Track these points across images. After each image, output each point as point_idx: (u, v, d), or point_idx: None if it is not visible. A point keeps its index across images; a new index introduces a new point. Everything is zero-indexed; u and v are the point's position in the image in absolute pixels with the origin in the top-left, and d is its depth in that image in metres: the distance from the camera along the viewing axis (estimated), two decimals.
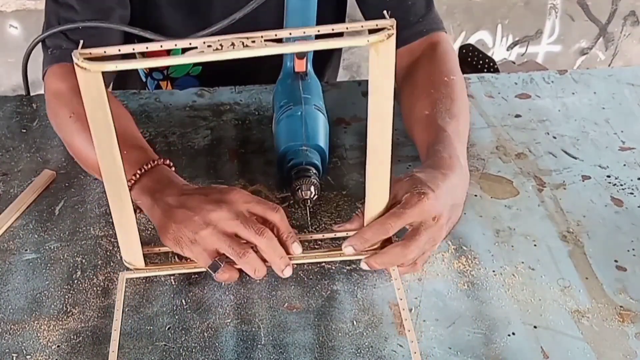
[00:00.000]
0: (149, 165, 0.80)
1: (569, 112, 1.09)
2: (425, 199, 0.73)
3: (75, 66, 0.61)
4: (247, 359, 0.70)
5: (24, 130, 0.98)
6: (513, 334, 0.73)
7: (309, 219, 0.84)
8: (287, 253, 0.74)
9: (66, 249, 0.81)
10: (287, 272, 0.74)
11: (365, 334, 0.73)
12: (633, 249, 0.84)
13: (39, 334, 0.71)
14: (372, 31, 0.64)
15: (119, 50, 0.61)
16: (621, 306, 0.77)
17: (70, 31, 0.92)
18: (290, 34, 0.64)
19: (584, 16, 2.59)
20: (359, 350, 0.71)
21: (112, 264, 0.79)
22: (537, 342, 0.73)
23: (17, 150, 0.95)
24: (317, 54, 0.96)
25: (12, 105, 1.03)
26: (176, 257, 0.79)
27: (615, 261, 0.83)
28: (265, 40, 0.62)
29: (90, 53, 0.61)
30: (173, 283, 0.77)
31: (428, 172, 0.78)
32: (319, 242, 0.82)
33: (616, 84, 1.16)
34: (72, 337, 0.71)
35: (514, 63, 2.28)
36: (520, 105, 1.10)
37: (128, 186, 0.75)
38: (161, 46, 0.62)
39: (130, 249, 0.76)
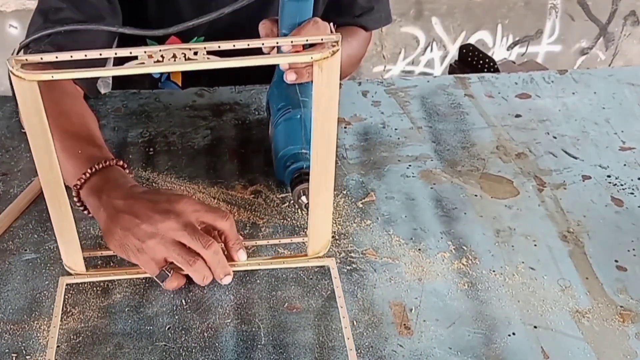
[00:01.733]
0: (100, 165, 0.77)
1: (569, 112, 1.09)
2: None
3: (11, 73, 0.60)
4: (247, 359, 0.69)
5: (24, 130, 0.98)
6: (513, 334, 0.73)
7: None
8: (233, 260, 0.76)
9: None
10: (226, 281, 0.75)
11: (365, 334, 0.73)
12: (633, 249, 0.84)
13: (38, 334, 0.71)
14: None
15: (56, 57, 0.60)
16: (621, 306, 0.77)
17: (55, 36, 0.90)
18: (234, 45, 0.63)
19: (584, 16, 2.59)
20: (359, 350, 0.71)
21: (111, 264, 0.79)
22: (537, 342, 0.72)
23: (16, 151, 0.95)
24: None
25: (12, 105, 1.03)
26: (118, 261, 0.79)
27: (616, 261, 0.83)
28: (207, 53, 0.61)
29: (26, 60, 0.60)
30: None
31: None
32: (264, 247, 0.82)
33: (616, 83, 1.16)
34: (71, 337, 0.71)
35: (514, 63, 2.28)
36: (520, 105, 1.10)
37: (78, 185, 0.76)
38: (100, 54, 0.61)
39: (71, 254, 0.75)
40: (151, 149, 0.96)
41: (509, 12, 2.50)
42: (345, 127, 1.03)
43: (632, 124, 1.07)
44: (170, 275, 0.73)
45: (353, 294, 0.77)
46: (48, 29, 0.86)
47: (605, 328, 0.74)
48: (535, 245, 0.84)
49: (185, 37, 1.10)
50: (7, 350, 0.69)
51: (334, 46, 0.63)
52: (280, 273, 0.79)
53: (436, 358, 0.70)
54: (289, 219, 0.86)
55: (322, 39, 0.64)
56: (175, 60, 0.61)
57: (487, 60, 1.92)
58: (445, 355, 0.71)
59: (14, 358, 0.69)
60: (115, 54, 0.62)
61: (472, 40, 2.50)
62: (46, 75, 0.60)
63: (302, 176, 0.82)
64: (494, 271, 0.80)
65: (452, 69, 1.98)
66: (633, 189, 0.93)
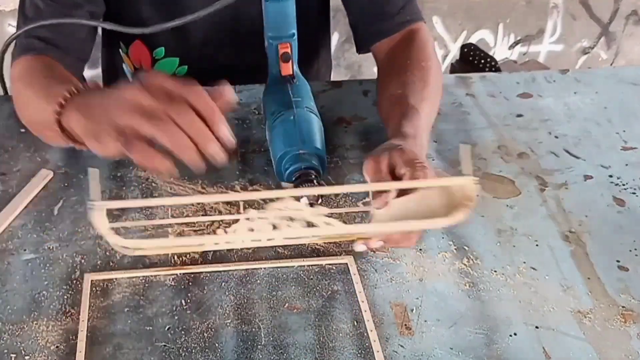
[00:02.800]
0: (77, 89, 0.75)
1: (571, 111, 1.08)
2: (427, 172, 0.74)
3: (114, 246, 0.64)
4: (247, 359, 0.69)
5: (23, 130, 0.98)
6: (515, 334, 0.73)
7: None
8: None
9: (65, 249, 0.80)
10: (212, 149, 0.64)
11: (366, 334, 0.72)
12: (635, 249, 0.84)
13: (37, 335, 0.71)
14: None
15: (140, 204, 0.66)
16: (623, 306, 0.77)
17: (37, 30, 0.93)
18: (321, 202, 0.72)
19: (586, 15, 2.59)
20: (359, 351, 0.70)
21: (111, 264, 0.79)
22: (539, 342, 0.72)
23: (15, 150, 0.95)
24: (305, 49, 0.96)
25: (11, 105, 1.03)
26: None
27: (618, 261, 0.82)
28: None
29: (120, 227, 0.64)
30: (173, 283, 0.77)
31: (410, 144, 0.80)
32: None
33: (618, 83, 1.15)
34: (71, 337, 0.71)
35: (515, 62, 2.28)
36: (522, 105, 1.09)
37: (57, 112, 0.74)
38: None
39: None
40: None
41: (510, 12, 2.50)
42: (345, 127, 1.02)
43: (634, 123, 1.06)
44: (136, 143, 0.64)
45: (354, 294, 0.76)
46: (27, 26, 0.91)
47: (607, 328, 0.74)
48: (536, 245, 0.84)
49: (150, 42, 1.12)
50: (6, 351, 0.69)
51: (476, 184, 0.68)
52: (281, 273, 0.78)
53: (437, 358, 0.70)
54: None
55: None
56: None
57: (488, 59, 1.92)
58: (446, 355, 0.70)
59: (13, 358, 0.68)
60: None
61: (473, 40, 2.50)
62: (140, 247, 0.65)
63: (303, 177, 0.82)
64: (495, 271, 0.80)
65: (454, 69, 1.98)
66: (635, 189, 0.93)
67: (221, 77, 1.12)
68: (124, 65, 1.20)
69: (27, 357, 0.68)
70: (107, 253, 0.80)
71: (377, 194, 0.73)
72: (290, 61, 0.91)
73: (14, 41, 0.96)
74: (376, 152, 0.79)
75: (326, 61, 1.33)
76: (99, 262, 0.79)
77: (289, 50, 0.90)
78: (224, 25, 1.10)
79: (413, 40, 1.02)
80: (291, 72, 0.92)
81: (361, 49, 1.08)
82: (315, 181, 0.82)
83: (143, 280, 0.77)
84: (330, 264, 0.80)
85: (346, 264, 0.80)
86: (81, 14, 0.96)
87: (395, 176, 0.76)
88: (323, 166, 0.86)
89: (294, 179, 0.83)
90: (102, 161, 0.93)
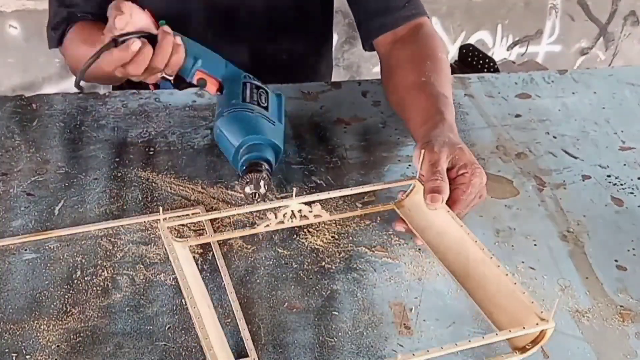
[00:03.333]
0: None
1: (569, 111, 1.09)
2: (484, 179, 0.82)
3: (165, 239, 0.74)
4: (247, 358, 0.69)
5: (24, 130, 0.98)
6: None
7: None
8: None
9: (66, 249, 0.80)
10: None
11: (365, 333, 0.73)
12: (633, 249, 0.84)
13: (38, 334, 0.71)
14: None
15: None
16: (621, 306, 0.77)
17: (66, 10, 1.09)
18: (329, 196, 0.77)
19: (584, 16, 2.59)
20: (359, 350, 0.71)
21: (112, 264, 0.79)
22: None
23: (16, 150, 0.95)
24: (306, 48, 0.97)
25: (12, 105, 1.03)
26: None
27: (616, 261, 0.83)
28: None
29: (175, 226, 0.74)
30: (173, 282, 0.77)
31: (457, 141, 0.84)
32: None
33: (616, 83, 1.16)
34: (71, 337, 0.71)
35: (514, 63, 2.29)
36: (520, 105, 1.10)
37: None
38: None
39: None
40: (151, 149, 0.96)
41: (508, 12, 2.50)
42: (345, 127, 1.03)
43: (632, 123, 1.07)
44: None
45: (353, 293, 0.77)
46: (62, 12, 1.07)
47: (605, 327, 0.74)
48: (535, 245, 0.84)
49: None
50: (6, 350, 0.69)
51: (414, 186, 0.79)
52: (280, 273, 0.79)
53: (436, 358, 0.70)
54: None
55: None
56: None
57: (487, 60, 1.92)
58: (445, 355, 0.71)
59: (14, 358, 0.68)
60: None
61: (472, 41, 2.50)
62: (193, 241, 0.79)
63: (253, 166, 0.85)
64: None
65: (452, 69, 1.98)
66: (633, 189, 0.93)
67: (240, 62, 1.11)
68: None
69: (28, 357, 0.69)
70: (108, 253, 0.80)
71: (433, 190, 0.78)
72: (207, 84, 0.94)
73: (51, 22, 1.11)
74: (431, 143, 0.82)
75: (327, 60, 1.33)
76: (99, 262, 0.79)
77: (203, 76, 0.94)
78: (222, 14, 1.10)
79: (421, 33, 1.03)
80: (215, 92, 0.95)
81: (366, 43, 1.08)
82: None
83: (144, 280, 0.77)
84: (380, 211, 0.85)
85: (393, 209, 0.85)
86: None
87: (450, 173, 0.80)
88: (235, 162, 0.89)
89: (244, 167, 0.87)
90: (102, 161, 0.93)
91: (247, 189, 0.85)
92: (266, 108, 0.92)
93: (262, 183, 0.84)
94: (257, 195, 0.85)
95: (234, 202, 0.88)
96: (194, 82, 0.94)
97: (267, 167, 0.86)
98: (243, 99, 0.92)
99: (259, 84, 0.96)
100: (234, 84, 0.94)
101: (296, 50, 1.20)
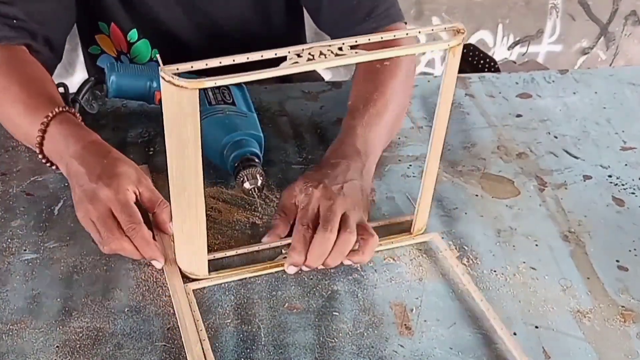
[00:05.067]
0: (53, 113, 0.84)
1: (570, 111, 1.09)
2: (313, 189, 0.79)
3: (167, 84, 0.60)
4: (247, 359, 0.69)
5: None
6: (514, 334, 0.73)
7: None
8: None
9: (66, 249, 0.80)
10: (155, 265, 0.77)
11: (366, 334, 0.72)
12: (635, 249, 0.84)
13: (38, 334, 0.71)
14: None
15: (206, 64, 0.61)
16: (623, 306, 0.77)
17: (6, 11, 0.93)
18: (369, 40, 0.68)
19: (585, 16, 2.59)
20: (359, 351, 0.71)
21: (111, 264, 0.79)
22: (538, 342, 0.72)
23: (16, 150, 0.95)
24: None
25: None
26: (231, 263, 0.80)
27: (617, 261, 0.82)
28: (351, 48, 0.65)
29: (177, 69, 0.61)
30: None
31: (317, 169, 0.84)
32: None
33: (617, 83, 1.16)
34: (71, 337, 0.71)
35: (514, 63, 2.28)
36: (521, 105, 1.10)
37: (38, 140, 0.84)
38: (261, 56, 0.63)
39: (196, 260, 0.76)
40: (151, 149, 0.96)
41: (509, 12, 2.50)
42: None
43: (633, 123, 1.06)
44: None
45: (353, 294, 0.77)
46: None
47: (607, 328, 0.74)
48: (536, 245, 0.84)
49: (122, 28, 1.12)
50: (6, 351, 0.69)
51: (462, 32, 0.70)
52: (280, 273, 0.78)
53: (437, 358, 0.70)
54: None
55: (445, 28, 0.71)
56: (326, 57, 0.64)
57: (487, 60, 1.92)
58: (446, 355, 0.71)
59: (14, 358, 0.68)
60: (262, 56, 0.63)
61: (472, 40, 2.50)
62: (209, 83, 0.61)
63: (245, 162, 0.85)
64: (495, 271, 0.80)
65: None
66: (634, 189, 0.93)
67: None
68: (98, 61, 1.18)
69: (27, 357, 0.68)
70: (107, 253, 0.80)
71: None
72: None
73: None
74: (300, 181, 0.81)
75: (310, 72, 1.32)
76: (99, 262, 0.79)
77: None
78: (195, 21, 1.09)
79: (381, 43, 1.01)
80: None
81: None
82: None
83: (144, 280, 0.77)
84: (418, 243, 0.83)
85: (432, 240, 0.84)
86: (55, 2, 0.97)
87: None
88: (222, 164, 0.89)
89: (235, 165, 0.86)
90: None
91: (246, 185, 0.85)
92: (233, 103, 0.93)
93: (257, 176, 0.84)
94: (256, 189, 0.85)
95: (234, 202, 0.88)
96: (156, 103, 0.96)
97: (256, 159, 0.86)
98: (209, 103, 0.92)
99: None
100: None
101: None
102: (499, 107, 1.09)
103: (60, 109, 0.85)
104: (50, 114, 0.84)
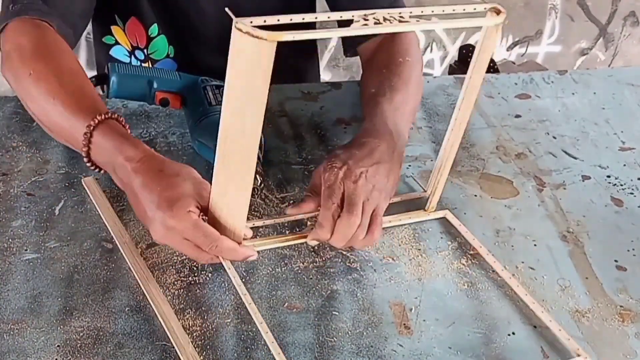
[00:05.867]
0: (98, 119, 0.77)
1: (569, 112, 1.09)
2: (337, 171, 0.78)
3: (243, 35, 0.59)
4: (247, 359, 0.69)
5: (24, 130, 0.98)
6: (513, 333, 0.73)
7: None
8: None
9: (66, 249, 0.80)
10: (250, 258, 0.75)
11: (365, 333, 0.73)
12: (633, 249, 0.84)
13: (39, 334, 0.71)
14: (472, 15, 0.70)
15: (278, 20, 0.61)
16: (621, 306, 0.77)
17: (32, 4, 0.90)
18: (422, 11, 0.67)
19: (584, 16, 2.59)
20: (359, 350, 0.71)
21: (111, 264, 0.79)
22: (537, 342, 0.72)
23: (17, 151, 0.95)
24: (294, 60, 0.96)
25: (12, 105, 1.03)
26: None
27: (616, 261, 0.83)
28: (412, 17, 0.65)
29: (251, 22, 0.59)
30: (173, 282, 0.77)
31: (346, 147, 0.83)
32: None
33: (616, 84, 1.16)
34: (72, 337, 0.71)
35: (514, 63, 2.29)
36: (520, 106, 1.10)
37: (84, 144, 0.77)
38: (329, 17, 0.64)
39: (233, 223, 0.74)
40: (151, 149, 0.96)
41: (508, 13, 2.47)
42: (345, 128, 1.03)
43: (631, 124, 1.07)
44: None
45: (353, 293, 0.77)
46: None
47: (605, 328, 0.74)
48: (535, 245, 0.84)
49: (144, 23, 1.12)
50: (7, 350, 0.69)
51: (503, 13, 0.71)
52: (280, 273, 0.79)
53: (436, 358, 0.71)
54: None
55: (485, 8, 0.71)
56: (390, 23, 0.64)
57: None
58: (445, 354, 0.71)
59: (14, 357, 0.69)
60: (328, 17, 0.64)
61: (471, 41, 2.50)
62: (288, 36, 0.59)
63: None
64: (494, 271, 0.80)
65: (452, 70, 1.98)
66: (633, 189, 0.94)
67: (207, 68, 1.10)
68: (112, 51, 1.18)
69: (28, 357, 0.69)
70: (108, 253, 0.80)
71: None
72: (170, 101, 0.96)
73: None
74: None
75: (313, 73, 1.32)
76: (99, 262, 0.79)
77: (163, 95, 0.95)
78: (217, 20, 1.10)
79: (393, 39, 1.02)
80: (179, 106, 0.97)
81: (347, 52, 1.09)
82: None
83: (144, 279, 0.77)
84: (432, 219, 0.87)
85: (444, 217, 0.87)
86: None
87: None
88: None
89: None
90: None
91: None
92: None
93: (256, 176, 0.84)
94: (256, 189, 0.85)
95: None
96: (157, 103, 0.96)
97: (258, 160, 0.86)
98: (209, 104, 0.92)
99: (217, 82, 0.97)
100: (194, 92, 0.95)
101: (277, 60, 1.19)
102: (498, 107, 1.09)
103: (104, 116, 0.78)
104: (93, 123, 0.77)
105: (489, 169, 0.96)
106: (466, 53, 1.96)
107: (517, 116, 1.07)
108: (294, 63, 1.24)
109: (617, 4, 2.59)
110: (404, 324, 0.74)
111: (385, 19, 0.64)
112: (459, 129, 0.81)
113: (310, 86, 1.12)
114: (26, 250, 0.80)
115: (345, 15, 0.63)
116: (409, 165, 0.95)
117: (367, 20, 0.63)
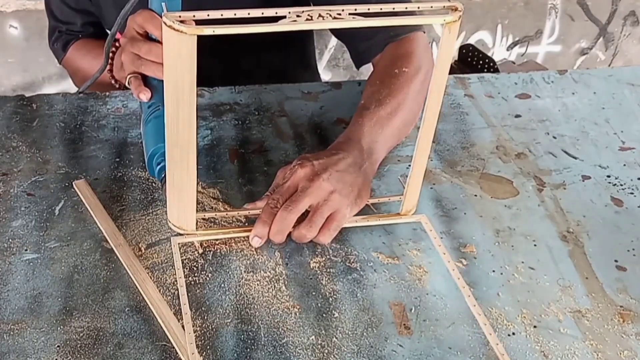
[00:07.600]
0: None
1: (569, 112, 1.09)
2: (298, 168, 0.80)
3: (167, 29, 0.61)
4: (247, 359, 0.70)
5: (24, 130, 0.98)
6: (513, 333, 0.73)
7: None
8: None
9: (66, 249, 0.80)
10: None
11: (365, 334, 0.73)
12: (633, 249, 0.84)
13: (38, 334, 0.71)
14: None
15: (208, 15, 0.62)
16: (621, 306, 0.77)
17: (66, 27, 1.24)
18: (368, 9, 0.67)
19: (584, 16, 2.59)
20: (359, 350, 0.71)
21: (112, 264, 0.79)
22: (537, 342, 0.73)
23: (17, 150, 0.95)
24: (290, 63, 0.96)
25: (12, 105, 1.03)
26: (225, 221, 0.84)
27: (616, 261, 0.83)
28: (349, 14, 0.65)
29: (179, 16, 0.61)
30: (173, 282, 0.77)
31: (317, 153, 0.85)
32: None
33: (616, 84, 1.16)
34: (72, 337, 0.71)
35: (514, 63, 2.29)
36: (520, 105, 1.10)
37: (109, 69, 0.99)
38: (262, 13, 0.64)
39: (184, 214, 0.78)
40: None
41: (508, 12, 2.50)
42: (345, 127, 1.02)
43: (631, 124, 1.07)
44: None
45: (353, 293, 0.77)
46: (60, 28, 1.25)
47: (605, 328, 0.74)
48: (535, 245, 0.84)
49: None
50: (7, 351, 0.69)
51: (460, 11, 0.73)
52: (280, 273, 0.79)
53: (436, 358, 0.71)
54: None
55: (444, 6, 0.72)
56: (323, 19, 0.65)
57: (487, 60, 1.93)
58: (445, 355, 0.71)
59: (14, 358, 0.69)
60: (262, 13, 0.65)
61: (471, 41, 2.50)
62: (208, 30, 0.61)
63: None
64: (493, 271, 0.80)
65: (452, 69, 1.98)
66: (633, 189, 0.94)
67: (220, 75, 1.12)
68: None
69: (28, 357, 0.69)
70: (108, 253, 0.80)
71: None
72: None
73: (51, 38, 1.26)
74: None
75: (311, 73, 1.32)
76: (99, 262, 0.79)
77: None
78: None
79: (397, 45, 1.00)
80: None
81: (358, 66, 1.09)
82: None
83: (144, 280, 0.77)
84: (405, 223, 0.86)
85: (420, 222, 0.86)
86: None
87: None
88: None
89: (163, 175, 0.83)
90: (103, 162, 0.93)
91: None
92: None
93: None
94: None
95: (235, 202, 0.88)
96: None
97: None
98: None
99: None
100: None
101: (274, 62, 1.19)
102: (498, 107, 1.09)
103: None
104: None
105: (488, 168, 0.96)
106: (466, 53, 1.96)
107: (517, 116, 1.07)
108: (292, 74, 1.24)
109: (617, 3, 2.59)
110: (404, 324, 0.74)
111: (320, 16, 0.64)
112: (429, 131, 0.80)
113: (310, 86, 1.12)
114: (26, 250, 0.80)
115: (281, 11, 0.65)
116: (409, 165, 0.95)
117: (300, 16, 0.64)
